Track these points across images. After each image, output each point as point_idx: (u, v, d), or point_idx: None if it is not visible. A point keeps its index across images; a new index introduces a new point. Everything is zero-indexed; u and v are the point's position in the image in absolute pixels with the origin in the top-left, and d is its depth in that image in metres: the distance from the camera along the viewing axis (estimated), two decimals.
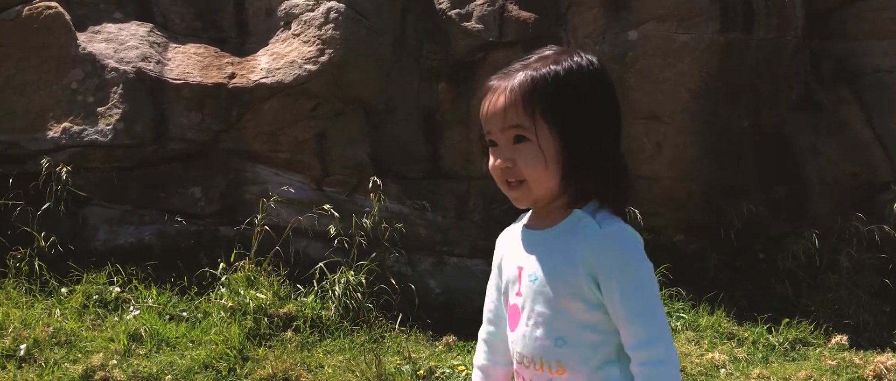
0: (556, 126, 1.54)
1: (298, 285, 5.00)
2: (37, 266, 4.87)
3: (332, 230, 5.00)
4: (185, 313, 4.73)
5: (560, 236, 1.60)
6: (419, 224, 5.56)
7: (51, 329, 4.32)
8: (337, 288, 4.87)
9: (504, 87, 1.57)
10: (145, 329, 4.43)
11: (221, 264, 4.93)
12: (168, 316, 4.71)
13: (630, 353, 1.55)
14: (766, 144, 5.94)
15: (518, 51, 5.60)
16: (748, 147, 5.92)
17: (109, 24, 5.52)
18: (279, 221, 5.21)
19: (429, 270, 5.59)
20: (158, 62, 5.41)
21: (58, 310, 4.62)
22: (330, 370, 4.24)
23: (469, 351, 4.57)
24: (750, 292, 5.51)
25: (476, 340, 1.85)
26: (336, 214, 5.02)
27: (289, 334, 4.57)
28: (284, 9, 5.63)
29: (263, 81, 5.38)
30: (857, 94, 6.12)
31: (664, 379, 1.53)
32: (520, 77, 1.57)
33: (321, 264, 4.98)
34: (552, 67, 1.56)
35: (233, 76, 5.43)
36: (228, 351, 4.25)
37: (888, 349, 5.01)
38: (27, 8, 5.37)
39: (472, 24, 5.85)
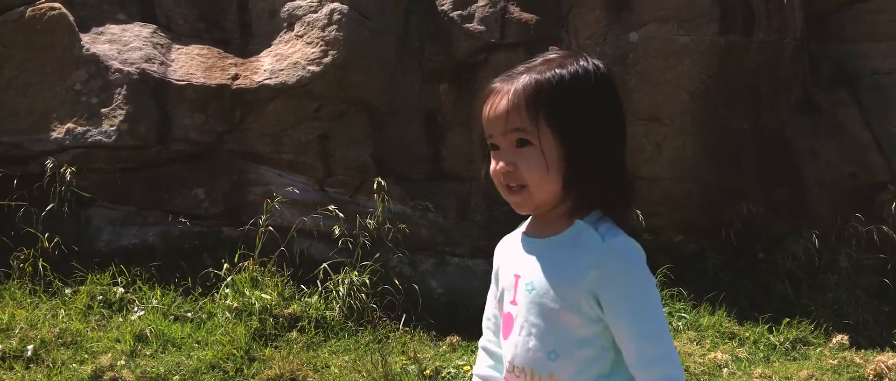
0: (560, 131, 1.50)
1: (302, 286, 5.02)
2: (41, 267, 4.87)
3: (337, 231, 5.02)
4: (189, 314, 4.74)
5: (561, 246, 1.56)
6: (421, 225, 5.58)
7: (57, 330, 4.32)
8: (341, 289, 4.89)
9: (507, 89, 1.54)
10: (151, 330, 4.44)
11: (225, 265, 4.95)
12: (173, 317, 4.72)
13: (635, 372, 1.51)
14: (766, 145, 5.98)
15: (520, 52, 5.64)
16: (748, 149, 5.97)
17: (113, 26, 5.53)
18: (283, 221, 5.22)
19: (430, 270, 5.61)
20: (162, 63, 5.43)
21: (62, 311, 4.63)
22: (336, 371, 4.26)
23: (473, 351, 4.59)
24: (750, 292, 5.55)
25: (479, 341, 1.84)
26: (341, 215, 5.04)
27: (294, 334, 4.59)
28: (288, 10, 5.64)
29: (267, 82, 5.40)
30: (855, 96, 6.17)
31: None
32: (523, 80, 1.53)
33: (325, 264, 5.00)
34: (557, 71, 1.53)
35: (236, 77, 5.45)
36: (235, 352, 4.27)
37: (888, 349, 5.05)
38: (30, 9, 5.37)
39: (474, 26, 5.88)
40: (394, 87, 5.75)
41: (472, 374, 1.84)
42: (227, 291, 4.82)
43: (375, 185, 5.17)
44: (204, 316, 4.72)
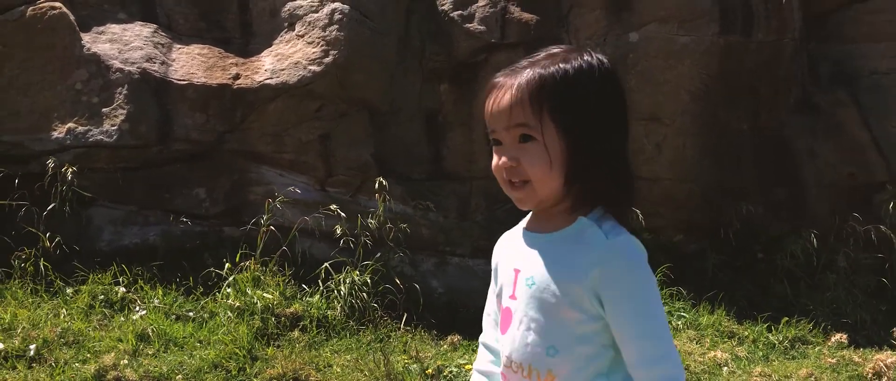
0: (564, 126, 1.49)
1: (303, 286, 5.03)
2: (42, 267, 4.88)
3: (339, 230, 5.03)
4: (191, 314, 4.74)
5: (563, 242, 1.55)
6: (422, 224, 5.59)
7: (59, 329, 4.33)
8: (343, 288, 4.90)
9: (510, 84, 1.52)
10: (153, 329, 4.44)
11: (227, 265, 4.95)
12: (174, 316, 4.73)
13: (635, 371, 1.50)
14: (765, 146, 6.01)
15: (520, 52, 5.63)
16: (747, 149, 5.99)
17: (113, 25, 5.53)
18: (284, 221, 5.23)
19: (431, 270, 5.63)
20: (163, 63, 5.43)
21: (64, 310, 4.63)
22: (339, 370, 4.27)
23: (474, 350, 4.60)
24: (749, 292, 5.58)
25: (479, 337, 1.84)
26: (343, 214, 5.05)
27: (296, 333, 4.60)
28: (288, 10, 5.65)
29: (268, 82, 5.41)
30: (854, 96, 6.19)
31: None
32: (527, 74, 1.52)
33: (327, 264, 5.01)
34: (561, 66, 1.51)
35: (237, 77, 5.46)
36: (238, 351, 4.28)
37: (886, 348, 5.08)
38: (31, 8, 5.37)
39: (475, 26, 5.89)
40: (395, 87, 5.76)
41: (472, 370, 1.83)
42: (228, 290, 4.83)
43: (377, 184, 5.18)
44: (205, 316, 4.73)
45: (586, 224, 1.54)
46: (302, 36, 5.55)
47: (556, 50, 1.58)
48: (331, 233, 5.17)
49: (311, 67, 5.42)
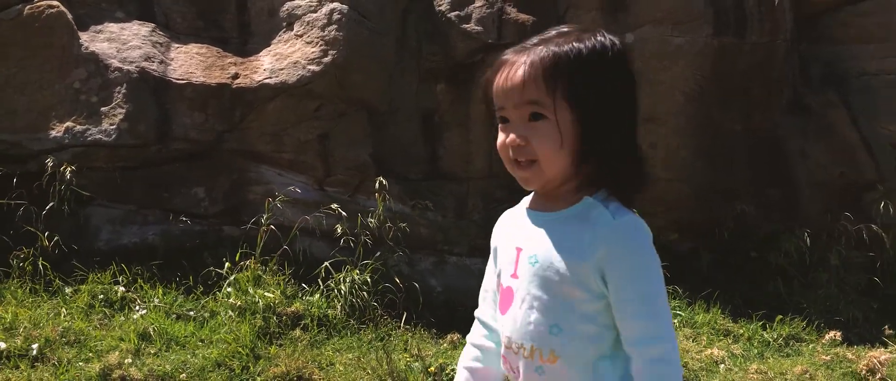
0: (577, 105, 1.48)
1: (303, 285, 5.04)
2: (40, 266, 4.86)
3: (339, 230, 5.05)
4: (192, 313, 4.75)
5: (568, 220, 1.54)
6: (420, 224, 5.62)
7: (60, 329, 4.32)
8: (343, 287, 4.92)
9: (523, 60, 1.50)
10: (154, 329, 4.44)
11: (227, 264, 4.96)
12: (175, 316, 4.73)
13: (632, 349, 1.49)
14: (758, 146, 6.09)
15: None
16: (741, 150, 6.07)
17: (111, 24, 5.52)
18: (284, 220, 5.24)
19: (429, 269, 5.66)
20: (161, 62, 5.43)
21: (64, 310, 4.62)
22: (341, 368, 4.30)
23: None
24: (744, 290, 5.65)
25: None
26: (344, 213, 5.07)
27: (297, 332, 4.62)
28: (287, 9, 5.66)
29: (267, 81, 5.42)
30: (844, 97, 6.29)
31: (671, 379, 1.48)
32: (541, 51, 1.49)
33: (327, 263, 5.03)
34: (575, 44, 1.50)
35: (236, 76, 5.46)
36: (240, 349, 4.29)
37: (878, 345, 5.17)
38: (28, 7, 5.34)
39: (471, 26, 5.93)
40: (393, 87, 5.79)
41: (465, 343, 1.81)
42: (229, 289, 4.84)
43: (378, 184, 5.20)
44: (206, 315, 4.74)
45: (592, 204, 1.53)
46: (301, 36, 5.56)
47: (566, 29, 1.56)
48: (331, 232, 5.19)
49: (310, 67, 5.44)
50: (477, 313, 1.77)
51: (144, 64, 5.36)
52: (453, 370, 4.44)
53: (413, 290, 5.12)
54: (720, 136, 6.03)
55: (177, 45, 5.56)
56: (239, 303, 4.69)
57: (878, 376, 4.62)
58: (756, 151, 6.07)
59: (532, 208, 1.63)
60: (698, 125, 5.97)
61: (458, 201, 5.91)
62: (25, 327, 4.29)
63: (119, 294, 4.81)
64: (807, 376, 4.65)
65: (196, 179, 5.43)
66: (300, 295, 4.96)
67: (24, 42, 5.30)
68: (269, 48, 5.61)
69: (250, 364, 4.22)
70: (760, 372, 4.68)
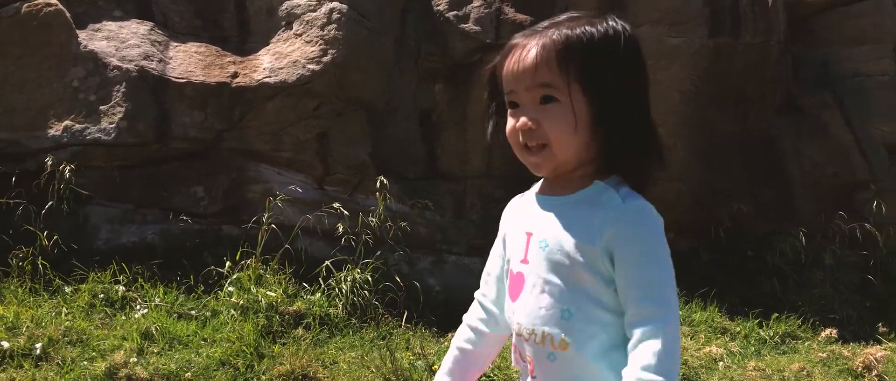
0: (591, 89, 1.46)
1: (304, 284, 5.05)
2: (40, 265, 4.84)
3: (340, 229, 5.06)
4: (193, 312, 4.74)
5: (579, 204, 1.52)
6: (419, 223, 5.64)
7: (62, 328, 4.30)
8: (344, 286, 4.93)
9: (535, 43, 1.48)
10: (156, 328, 4.43)
11: (227, 263, 4.96)
12: (176, 315, 4.72)
13: (633, 330, 1.45)
14: (753, 146, 6.15)
15: None
16: (736, 150, 6.13)
17: (109, 23, 5.50)
18: (283, 219, 5.24)
19: (428, 268, 5.68)
20: (160, 61, 5.41)
21: (65, 309, 4.61)
22: (345, 366, 4.31)
23: None
24: (740, 289, 5.71)
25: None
26: (346, 212, 5.08)
27: (300, 331, 4.62)
28: (286, 9, 5.66)
29: (267, 80, 5.41)
30: (837, 98, 6.37)
31: (669, 367, 1.42)
32: (553, 34, 1.48)
33: (327, 262, 5.04)
34: (588, 28, 1.48)
35: (235, 75, 5.45)
36: (244, 348, 4.29)
37: (873, 342, 5.24)
38: (26, 5, 5.32)
39: (470, 26, 5.95)
40: (392, 86, 5.80)
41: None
42: (230, 289, 4.83)
43: (378, 183, 5.21)
44: (208, 314, 4.73)
45: (603, 188, 1.52)
46: (300, 35, 5.56)
47: (576, 14, 1.54)
48: (331, 231, 5.20)
49: (309, 66, 5.44)
50: (477, 293, 1.76)
51: (143, 63, 5.35)
52: None
53: (413, 289, 5.14)
54: (716, 136, 6.09)
55: (175, 44, 5.55)
56: (241, 302, 4.69)
57: (874, 372, 4.68)
58: (751, 151, 6.13)
59: (541, 193, 1.62)
60: (694, 125, 6.02)
61: (455, 200, 5.93)
62: (28, 326, 4.27)
63: (120, 294, 4.80)
64: (804, 373, 4.71)
65: (195, 179, 5.42)
66: (302, 294, 4.96)
67: (22, 40, 5.27)
68: (268, 47, 5.61)
69: (255, 363, 4.22)
70: (759, 369, 4.73)
